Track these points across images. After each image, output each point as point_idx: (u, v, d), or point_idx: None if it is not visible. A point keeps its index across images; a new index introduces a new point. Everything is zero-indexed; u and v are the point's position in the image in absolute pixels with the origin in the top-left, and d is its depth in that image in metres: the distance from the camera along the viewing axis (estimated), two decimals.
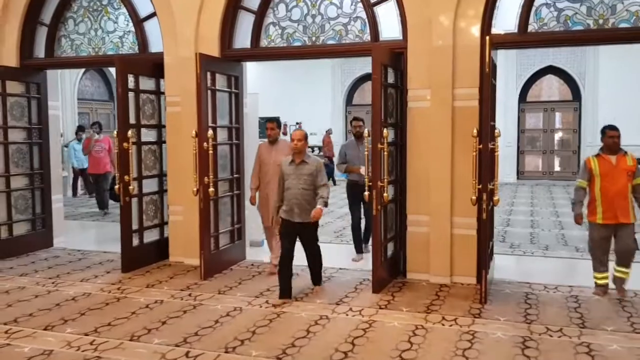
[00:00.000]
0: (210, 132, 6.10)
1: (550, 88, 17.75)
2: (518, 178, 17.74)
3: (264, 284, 5.98)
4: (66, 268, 6.75)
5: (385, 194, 5.57)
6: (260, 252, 7.42)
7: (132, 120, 6.66)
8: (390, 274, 6.06)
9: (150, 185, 7.03)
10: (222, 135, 6.72)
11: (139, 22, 7.25)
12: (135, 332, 4.62)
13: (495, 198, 5.25)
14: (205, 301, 5.43)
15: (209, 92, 6.37)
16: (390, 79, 6.03)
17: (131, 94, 6.65)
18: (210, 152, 6.07)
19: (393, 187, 6.18)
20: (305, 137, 5.57)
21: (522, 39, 5.94)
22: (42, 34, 7.74)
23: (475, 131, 5.24)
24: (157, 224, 7.14)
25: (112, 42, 7.46)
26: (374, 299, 5.47)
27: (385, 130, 5.54)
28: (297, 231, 5.52)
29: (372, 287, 5.67)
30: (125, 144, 6.40)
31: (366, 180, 5.68)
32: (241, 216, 7.05)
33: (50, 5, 7.68)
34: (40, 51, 7.77)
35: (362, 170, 6.41)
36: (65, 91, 14.75)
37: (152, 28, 7.18)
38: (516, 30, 5.89)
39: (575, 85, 17.13)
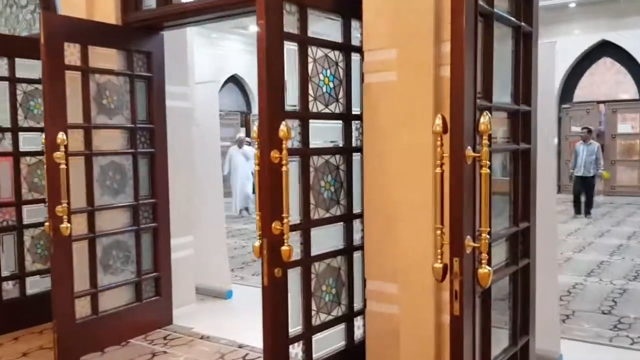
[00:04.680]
0: (61, 136, 3.89)
1: None
2: None
3: None
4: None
5: (284, 247, 2.90)
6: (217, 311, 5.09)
7: (6, 123, 4.73)
8: None
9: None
10: (117, 140, 4.52)
11: None
12: None
13: (482, 271, 2.31)
14: None
15: (81, 74, 4.19)
16: (329, 32, 3.36)
17: (2, 84, 4.71)
18: (63, 166, 3.86)
19: (344, 227, 3.49)
20: None
21: None
22: None
23: (438, 122, 2.37)
24: None
25: (25, 19, 5.62)
26: None
27: (283, 125, 2.88)
28: None
29: None
30: None
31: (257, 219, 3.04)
32: (160, 260, 4.75)
33: None
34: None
35: None
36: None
37: None
38: None
39: None
